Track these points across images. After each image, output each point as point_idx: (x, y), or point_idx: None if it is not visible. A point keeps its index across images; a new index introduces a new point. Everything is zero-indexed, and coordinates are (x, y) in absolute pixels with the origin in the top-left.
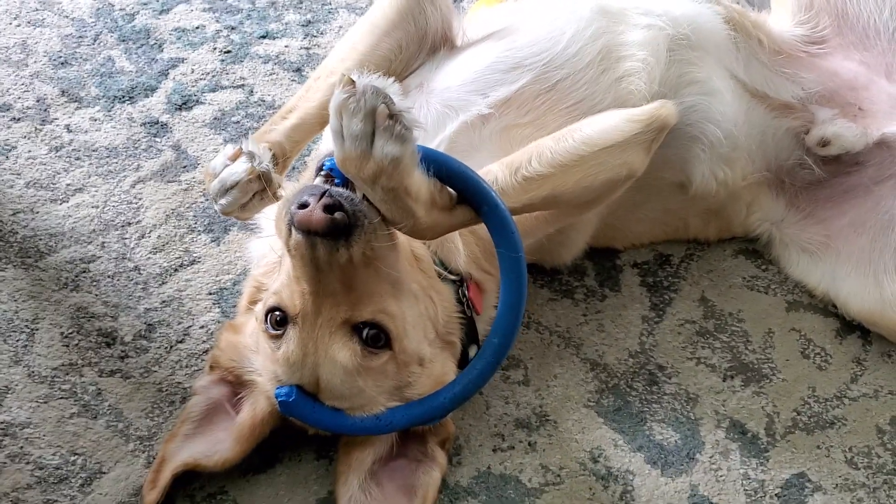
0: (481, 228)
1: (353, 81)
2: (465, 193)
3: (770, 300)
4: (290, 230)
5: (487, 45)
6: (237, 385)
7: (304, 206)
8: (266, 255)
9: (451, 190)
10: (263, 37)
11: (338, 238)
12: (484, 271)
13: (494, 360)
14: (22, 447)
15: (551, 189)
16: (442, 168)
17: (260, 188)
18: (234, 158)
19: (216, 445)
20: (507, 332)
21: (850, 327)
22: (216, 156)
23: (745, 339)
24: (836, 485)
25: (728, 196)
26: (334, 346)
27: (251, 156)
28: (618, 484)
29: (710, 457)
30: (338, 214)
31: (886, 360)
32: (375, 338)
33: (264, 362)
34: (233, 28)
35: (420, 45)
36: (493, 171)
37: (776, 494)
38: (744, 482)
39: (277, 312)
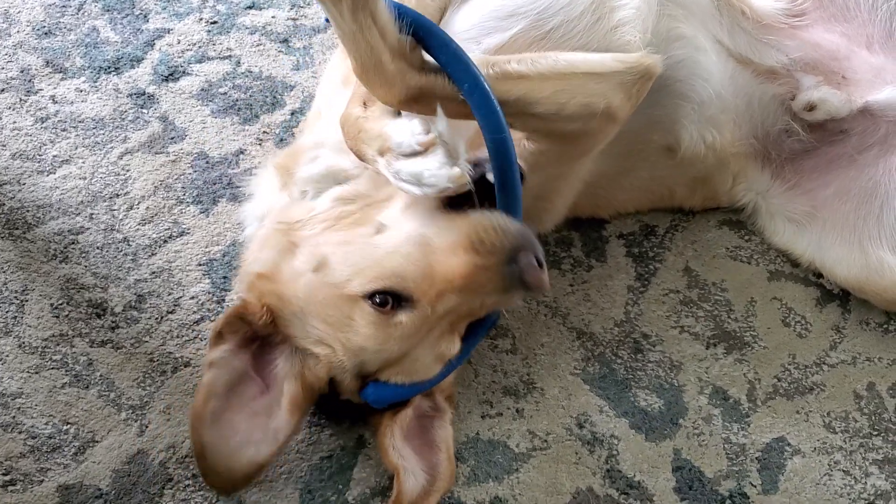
0: None
1: None
2: (446, 67)
3: (752, 270)
4: (505, 275)
5: None
6: (255, 346)
7: (540, 264)
8: (264, 216)
9: (425, 54)
10: (250, 7)
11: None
12: None
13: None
14: (14, 417)
15: (526, 91)
16: (421, 30)
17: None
18: (426, 146)
19: (267, 422)
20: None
21: (830, 296)
22: (400, 128)
23: (728, 308)
24: (815, 448)
25: (715, 163)
26: (441, 342)
27: (447, 146)
28: (603, 448)
29: (693, 422)
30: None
31: (864, 328)
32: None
33: (339, 327)
34: None
35: None
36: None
37: (757, 458)
38: (725, 446)
39: (387, 294)
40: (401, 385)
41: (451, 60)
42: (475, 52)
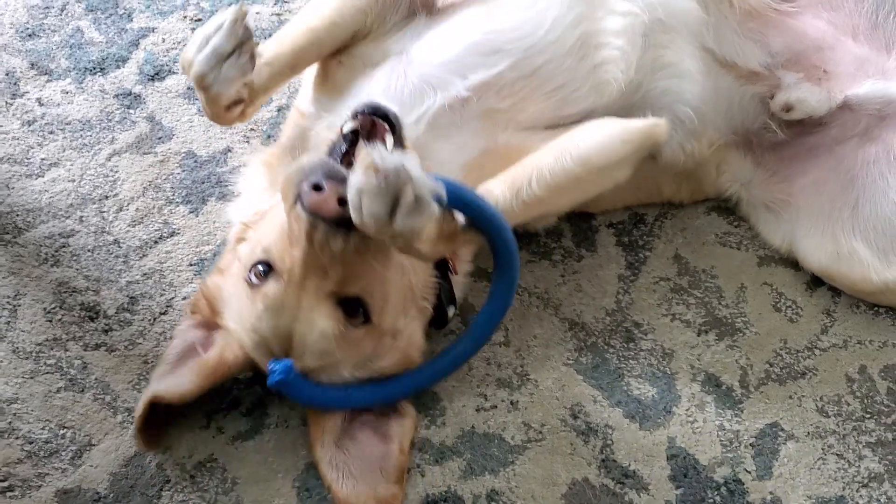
0: None
1: (376, 166)
2: (475, 221)
3: (742, 256)
4: (295, 202)
5: (467, 19)
6: (212, 327)
7: (318, 187)
8: (250, 207)
9: (458, 217)
10: (234, 3)
11: (339, 227)
12: None
13: (470, 351)
14: (10, 423)
15: (546, 209)
16: (454, 198)
17: (243, 39)
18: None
19: (179, 380)
20: (480, 340)
21: (820, 280)
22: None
23: (719, 295)
24: (808, 433)
25: (696, 163)
26: (317, 313)
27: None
28: (598, 438)
29: (687, 410)
30: (346, 209)
31: (855, 310)
32: (357, 312)
33: (240, 309)
34: None
35: (393, 4)
36: (494, 193)
37: (750, 444)
38: (719, 433)
39: (262, 266)
40: (318, 386)
41: (478, 215)
42: (459, 87)
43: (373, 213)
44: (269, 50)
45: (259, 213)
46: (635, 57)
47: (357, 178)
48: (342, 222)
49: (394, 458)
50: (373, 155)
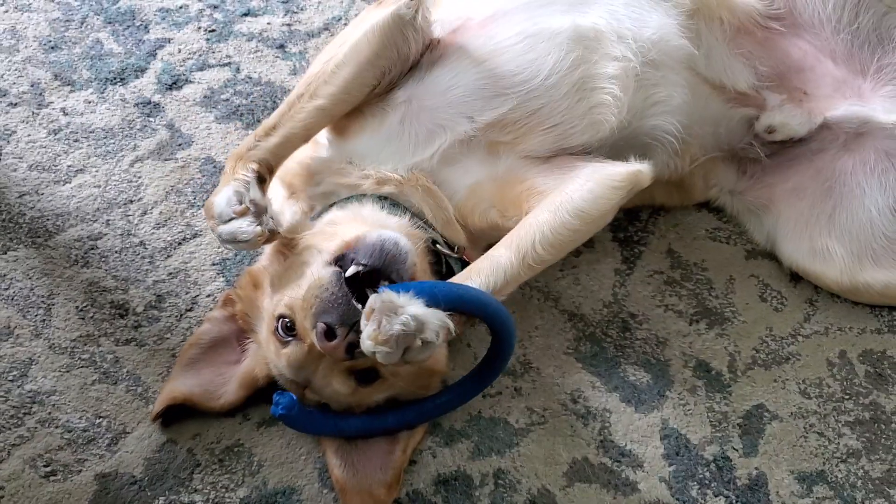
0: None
1: (385, 340)
2: (474, 314)
3: (731, 250)
4: (313, 328)
5: (470, 62)
6: (244, 328)
7: (330, 334)
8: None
9: (457, 318)
10: (245, 14)
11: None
12: (472, 242)
13: (456, 403)
14: (50, 413)
15: (548, 264)
16: (453, 302)
17: (268, 238)
18: (241, 214)
19: (221, 386)
20: (466, 397)
21: None
22: (219, 197)
23: (709, 286)
24: (791, 413)
25: (680, 176)
26: (332, 378)
27: (258, 210)
28: (596, 421)
29: (679, 394)
30: (358, 354)
31: (835, 300)
32: (371, 378)
33: (267, 347)
34: (215, 7)
35: (402, 66)
36: (502, 264)
37: (738, 424)
38: (709, 414)
39: (286, 321)
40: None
41: (480, 312)
42: (467, 127)
43: (384, 353)
44: (279, 132)
45: (290, 231)
46: (627, 100)
47: (369, 333)
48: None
49: (396, 458)
50: (379, 318)
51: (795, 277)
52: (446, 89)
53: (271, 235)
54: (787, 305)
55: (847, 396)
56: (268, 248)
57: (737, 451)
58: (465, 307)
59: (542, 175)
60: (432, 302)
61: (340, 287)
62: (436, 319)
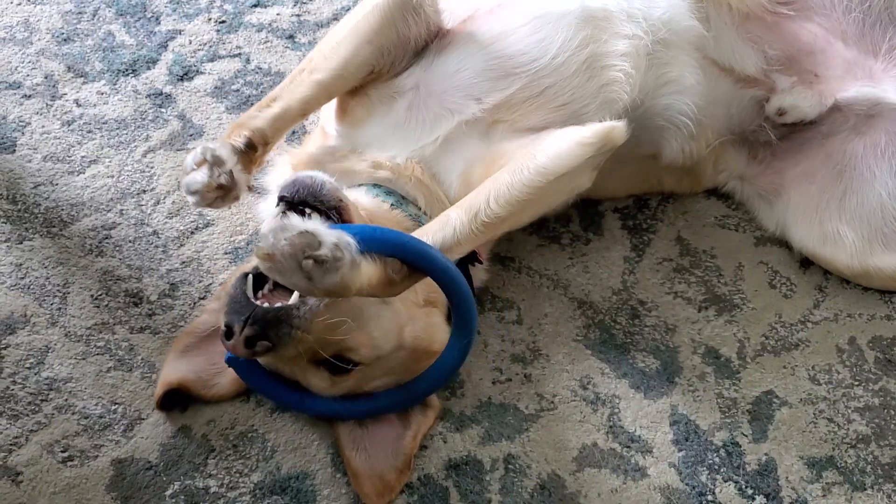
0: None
1: (270, 255)
2: (412, 264)
3: (740, 237)
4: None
5: (477, 45)
6: None
7: (229, 331)
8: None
9: (398, 265)
10: (255, 5)
11: (270, 350)
12: None
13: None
14: (67, 399)
15: (509, 225)
16: (382, 246)
17: (220, 195)
18: (199, 164)
19: (215, 376)
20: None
21: None
22: (189, 154)
23: (718, 274)
24: (801, 399)
25: (694, 161)
26: (308, 375)
27: (215, 162)
28: (605, 407)
29: (688, 380)
30: (259, 346)
31: (845, 286)
32: (343, 367)
33: None
34: None
35: (404, 48)
36: (451, 220)
37: (747, 410)
38: (718, 401)
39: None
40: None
41: (411, 257)
42: (475, 109)
43: (291, 283)
44: (278, 103)
45: None
46: (639, 78)
47: (262, 268)
48: (268, 349)
49: (406, 443)
50: (261, 244)
51: (805, 264)
52: (454, 72)
53: (225, 192)
54: (796, 292)
55: (856, 382)
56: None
57: (746, 436)
58: (405, 255)
59: (520, 142)
60: (370, 245)
61: (239, 286)
62: (333, 237)
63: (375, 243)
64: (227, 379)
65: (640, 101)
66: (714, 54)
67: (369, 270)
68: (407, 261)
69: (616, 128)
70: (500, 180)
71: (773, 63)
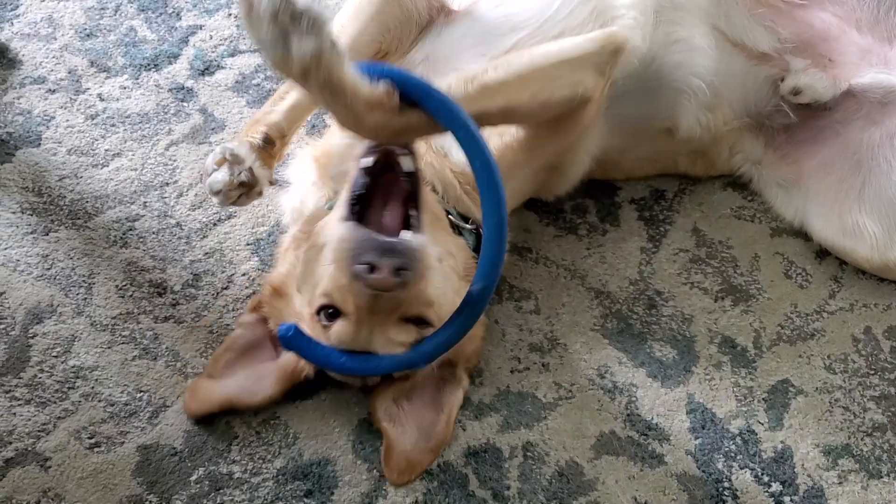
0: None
1: (249, 3)
2: (420, 103)
3: (756, 228)
4: (354, 278)
5: (483, 9)
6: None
7: (373, 268)
8: (299, 207)
9: (398, 93)
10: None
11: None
12: None
13: (492, 273)
14: (93, 387)
15: (506, 101)
16: (392, 80)
17: (243, 192)
18: (220, 164)
19: (258, 383)
20: (496, 247)
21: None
22: (209, 155)
23: (734, 264)
24: (816, 388)
25: (711, 139)
26: (392, 333)
27: (234, 161)
28: (623, 396)
29: (705, 369)
30: (406, 275)
31: (861, 277)
32: (423, 325)
33: (315, 335)
34: None
35: (408, 24)
36: (445, 80)
37: (763, 399)
38: (735, 389)
39: (328, 310)
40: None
41: (420, 95)
42: (481, 63)
43: (267, 41)
44: (290, 95)
45: (309, 221)
46: (649, 28)
47: (241, 15)
48: (408, 250)
49: (441, 428)
50: None
51: (820, 255)
52: (461, 37)
53: (247, 189)
54: (812, 282)
55: (872, 372)
56: (283, 252)
57: (762, 424)
58: (402, 83)
59: None
60: (381, 74)
61: (359, 229)
62: (312, 4)
63: (390, 73)
64: (269, 381)
65: (651, 57)
66: (724, 27)
67: (354, 76)
68: (405, 91)
69: (619, 31)
70: (500, 59)
71: (787, 45)
